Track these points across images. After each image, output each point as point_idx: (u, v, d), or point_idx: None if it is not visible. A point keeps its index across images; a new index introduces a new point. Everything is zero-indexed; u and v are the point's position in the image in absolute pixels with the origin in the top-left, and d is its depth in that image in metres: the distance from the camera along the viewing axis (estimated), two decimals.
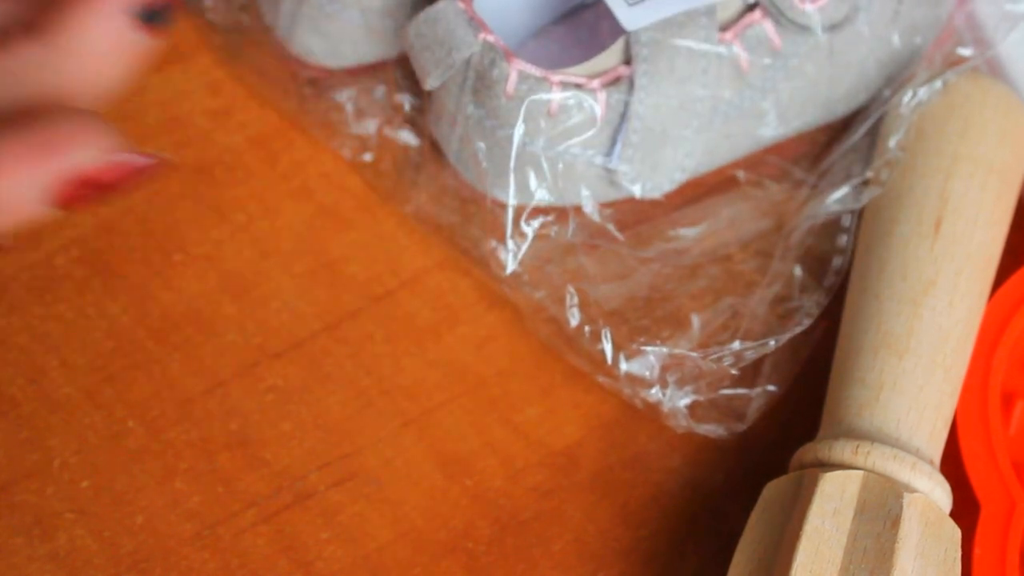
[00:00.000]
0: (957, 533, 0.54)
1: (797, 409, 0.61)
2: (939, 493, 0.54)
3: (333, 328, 0.63)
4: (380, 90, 0.66)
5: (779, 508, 0.55)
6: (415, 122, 0.65)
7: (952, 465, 0.57)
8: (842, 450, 0.54)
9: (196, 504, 0.58)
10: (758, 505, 0.55)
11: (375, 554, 0.58)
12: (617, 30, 0.63)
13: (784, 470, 0.57)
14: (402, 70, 0.65)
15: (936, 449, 0.56)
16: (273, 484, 0.59)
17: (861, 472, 0.54)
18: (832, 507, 0.53)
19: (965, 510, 0.56)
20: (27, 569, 0.57)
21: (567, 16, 0.67)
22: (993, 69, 0.66)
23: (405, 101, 0.65)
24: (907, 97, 0.63)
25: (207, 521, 0.58)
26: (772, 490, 0.55)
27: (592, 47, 0.66)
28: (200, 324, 0.62)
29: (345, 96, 0.66)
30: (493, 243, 0.62)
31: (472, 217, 0.63)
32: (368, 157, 0.65)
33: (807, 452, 0.56)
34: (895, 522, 0.52)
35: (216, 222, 0.64)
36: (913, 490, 0.53)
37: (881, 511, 0.53)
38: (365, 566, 0.58)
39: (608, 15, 0.65)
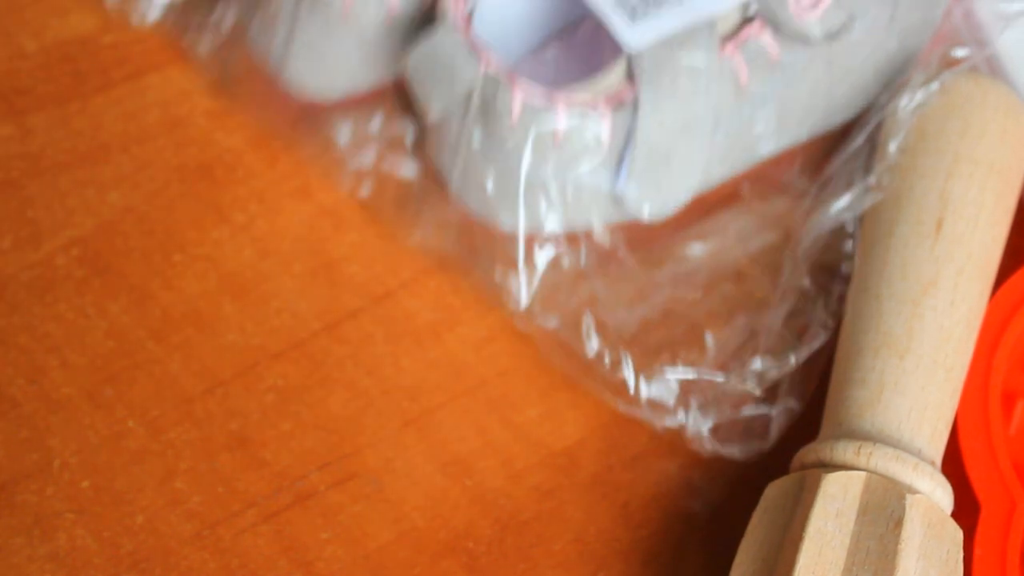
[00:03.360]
0: (959, 534, 0.54)
1: (804, 410, 0.61)
2: (940, 494, 0.54)
3: (333, 328, 0.63)
4: (376, 121, 0.65)
5: (781, 509, 0.55)
6: (415, 152, 0.65)
7: (952, 465, 0.57)
8: (844, 451, 0.54)
9: (196, 504, 0.58)
10: (760, 506, 0.55)
11: (375, 554, 0.58)
12: (617, 45, 0.63)
13: (785, 471, 0.57)
14: (399, 98, 0.65)
15: (937, 449, 0.56)
16: (273, 484, 0.59)
17: (863, 473, 0.54)
18: (835, 508, 0.53)
19: (965, 510, 0.56)
20: (27, 569, 0.56)
21: (564, 32, 0.67)
22: (993, 69, 0.66)
23: (404, 130, 0.65)
24: (905, 100, 0.63)
25: (207, 521, 0.58)
26: (774, 491, 0.55)
27: (590, 63, 0.65)
28: (200, 324, 0.62)
29: (341, 127, 0.65)
30: (503, 274, 0.62)
31: (478, 248, 0.63)
32: (366, 189, 0.65)
33: (809, 453, 0.56)
34: (898, 523, 0.52)
35: (216, 222, 0.64)
36: (915, 491, 0.53)
37: (884, 512, 0.53)
38: (365, 566, 0.58)
39: (607, 30, 0.65)
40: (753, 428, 0.60)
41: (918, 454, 0.55)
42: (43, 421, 0.59)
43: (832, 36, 0.63)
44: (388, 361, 0.62)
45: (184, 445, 0.59)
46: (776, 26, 0.62)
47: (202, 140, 0.66)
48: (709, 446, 0.60)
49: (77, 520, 0.58)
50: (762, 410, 0.60)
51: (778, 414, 0.60)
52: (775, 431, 0.60)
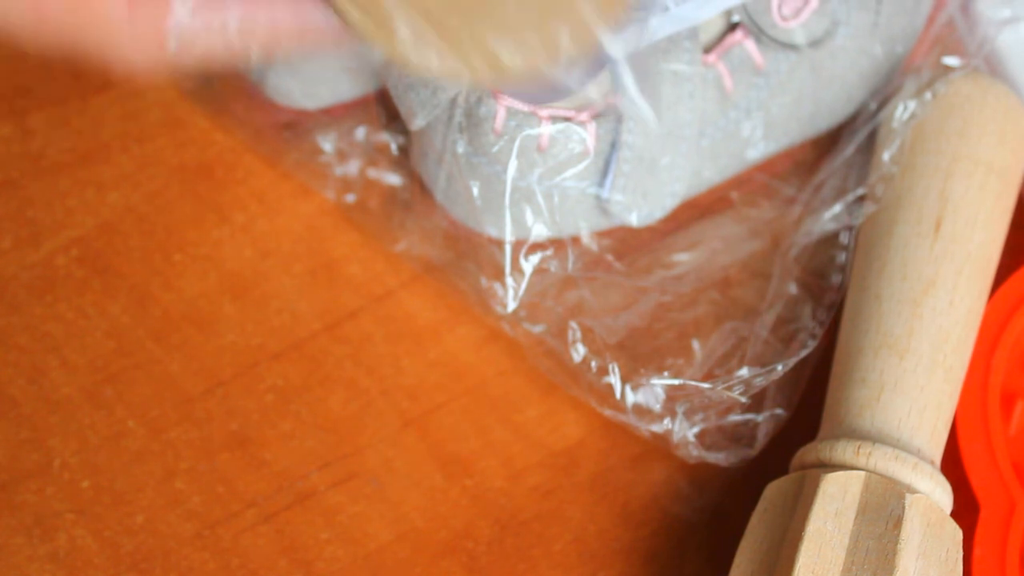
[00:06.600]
0: (959, 534, 0.54)
1: (797, 411, 0.61)
2: (940, 494, 0.54)
3: (333, 328, 0.63)
4: (361, 130, 0.65)
5: (780, 509, 0.55)
6: (400, 161, 0.65)
7: (952, 465, 0.57)
8: (844, 451, 0.54)
9: (196, 504, 0.58)
10: (759, 506, 0.55)
11: (375, 554, 0.58)
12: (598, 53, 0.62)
13: (785, 470, 0.57)
14: (384, 107, 0.64)
15: (937, 449, 0.56)
16: (273, 484, 0.59)
17: (863, 473, 0.54)
18: (834, 508, 0.53)
19: (965, 510, 0.56)
20: (27, 569, 0.57)
21: None
22: (992, 69, 0.66)
23: (388, 140, 0.65)
24: (899, 111, 0.63)
25: (207, 521, 0.58)
26: (773, 490, 0.55)
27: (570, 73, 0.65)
28: (200, 324, 0.62)
29: (326, 138, 0.65)
30: (488, 281, 0.62)
31: (465, 255, 0.63)
32: (352, 198, 0.65)
33: (808, 452, 0.56)
34: (897, 523, 0.52)
35: (216, 222, 0.64)
36: (915, 491, 0.54)
37: (883, 512, 0.53)
38: (365, 566, 0.58)
39: None
40: (739, 435, 0.60)
41: (917, 454, 0.55)
42: (43, 421, 0.59)
43: (816, 43, 0.63)
44: (388, 361, 0.62)
45: (184, 445, 0.59)
46: (759, 33, 0.62)
47: (202, 140, 0.66)
48: (695, 452, 0.59)
49: (77, 520, 0.58)
50: (749, 417, 0.60)
51: (764, 421, 0.60)
52: (761, 438, 0.60)
